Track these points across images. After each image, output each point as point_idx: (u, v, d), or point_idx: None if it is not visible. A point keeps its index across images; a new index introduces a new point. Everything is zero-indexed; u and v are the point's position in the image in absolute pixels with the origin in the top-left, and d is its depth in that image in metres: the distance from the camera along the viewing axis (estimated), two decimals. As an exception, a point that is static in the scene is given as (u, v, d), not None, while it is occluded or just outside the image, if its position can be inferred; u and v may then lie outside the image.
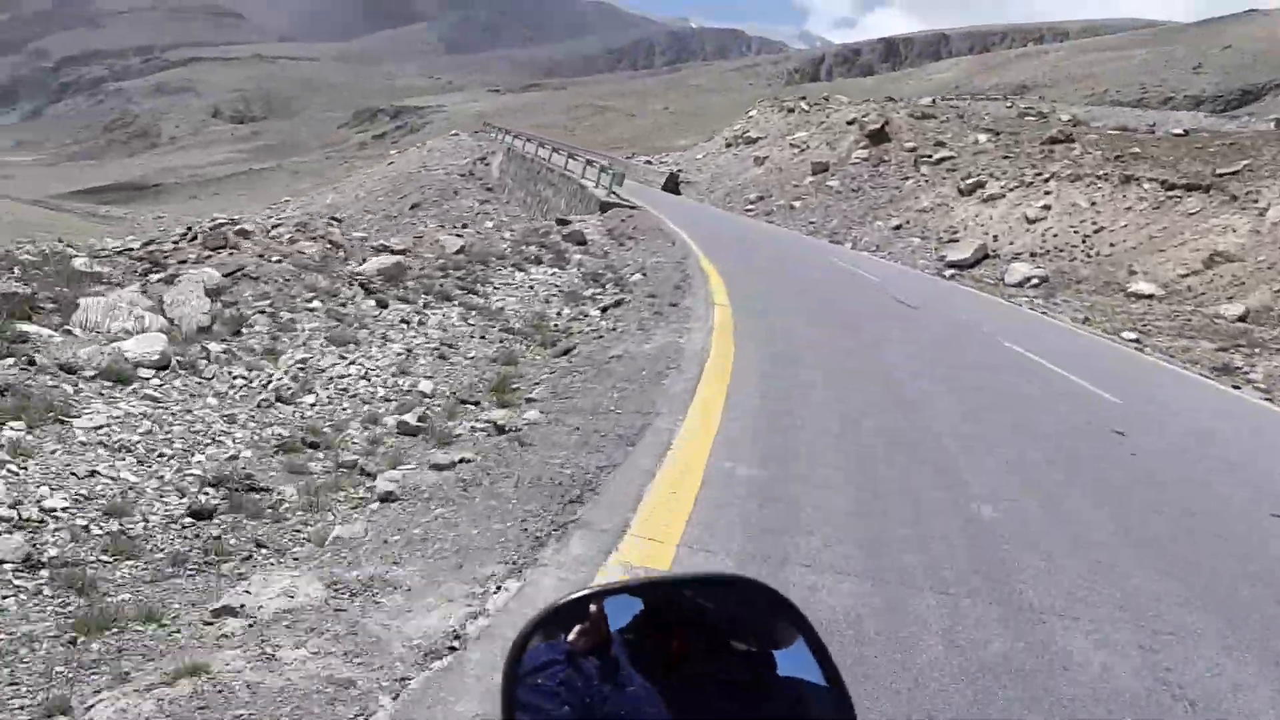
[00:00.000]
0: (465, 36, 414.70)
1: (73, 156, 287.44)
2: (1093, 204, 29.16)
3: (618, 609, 1.17)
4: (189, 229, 24.43)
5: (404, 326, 11.47)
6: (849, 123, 44.86)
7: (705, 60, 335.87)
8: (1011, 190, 31.69)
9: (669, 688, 1.14)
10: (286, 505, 6.55)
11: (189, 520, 6.21)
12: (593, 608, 1.17)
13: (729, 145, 50.84)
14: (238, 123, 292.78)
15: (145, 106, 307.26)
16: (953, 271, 27.41)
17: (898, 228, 31.94)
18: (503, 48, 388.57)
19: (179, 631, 4.41)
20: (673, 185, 43.69)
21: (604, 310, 13.19)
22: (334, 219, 35.35)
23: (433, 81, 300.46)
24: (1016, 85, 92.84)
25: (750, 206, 38.86)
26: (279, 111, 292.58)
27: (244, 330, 10.21)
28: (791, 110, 51.41)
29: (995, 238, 29.50)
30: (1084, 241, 27.61)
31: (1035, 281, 25.20)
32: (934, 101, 49.14)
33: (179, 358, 8.81)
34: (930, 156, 37.13)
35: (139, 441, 7.03)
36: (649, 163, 51.81)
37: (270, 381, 9.00)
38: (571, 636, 1.17)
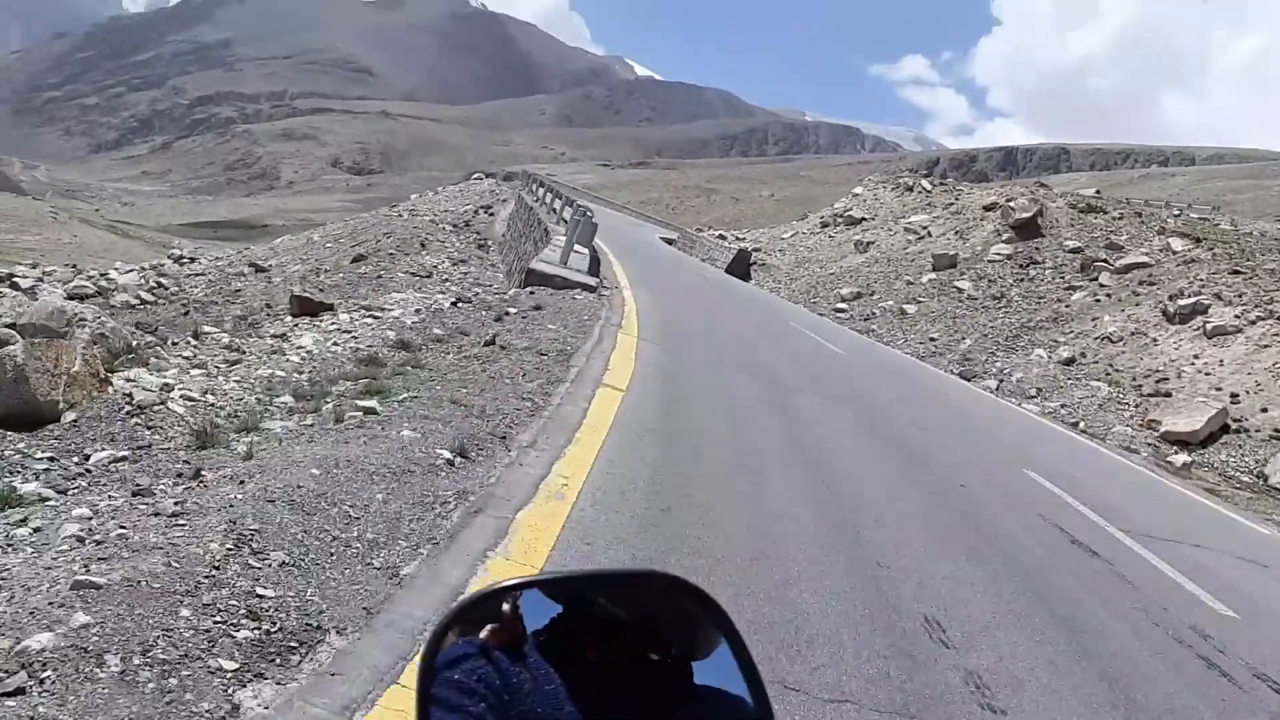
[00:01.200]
0: (584, 112, 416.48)
1: (193, 190, 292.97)
2: None
3: (533, 605, 1.15)
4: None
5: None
6: (986, 208, 33.53)
7: (817, 153, 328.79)
8: (1255, 323, 19.88)
9: (584, 685, 1.11)
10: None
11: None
12: (506, 605, 1.15)
13: (824, 225, 39.76)
14: (354, 173, 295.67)
15: (268, 149, 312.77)
16: (1175, 451, 15.71)
17: (1069, 361, 20.33)
18: (620, 125, 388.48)
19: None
20: (741, 267, 32.88)
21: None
22: (257, 266, 25.51)
23: (546, 151, 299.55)
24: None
25: (842, 306, 27.75)
26: (395, 166, 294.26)
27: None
28: (910, 189, 40.21)
29: (1235, 397, 17.70)
30: None
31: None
32: (1098, 192, 37.47)
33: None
34: (1109, 262, 25.58)
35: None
36: (721, 238, 41.05)
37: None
38: (485, 634, 1.14)
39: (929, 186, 40.47)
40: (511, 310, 11.35)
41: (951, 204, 36.25)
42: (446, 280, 19.69)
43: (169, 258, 32.64)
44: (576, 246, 16.81)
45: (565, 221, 24.47)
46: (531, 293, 13.13)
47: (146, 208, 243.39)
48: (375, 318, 10.99)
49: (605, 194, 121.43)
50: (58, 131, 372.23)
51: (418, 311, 12.44)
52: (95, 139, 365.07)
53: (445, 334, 8.65)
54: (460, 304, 12.16)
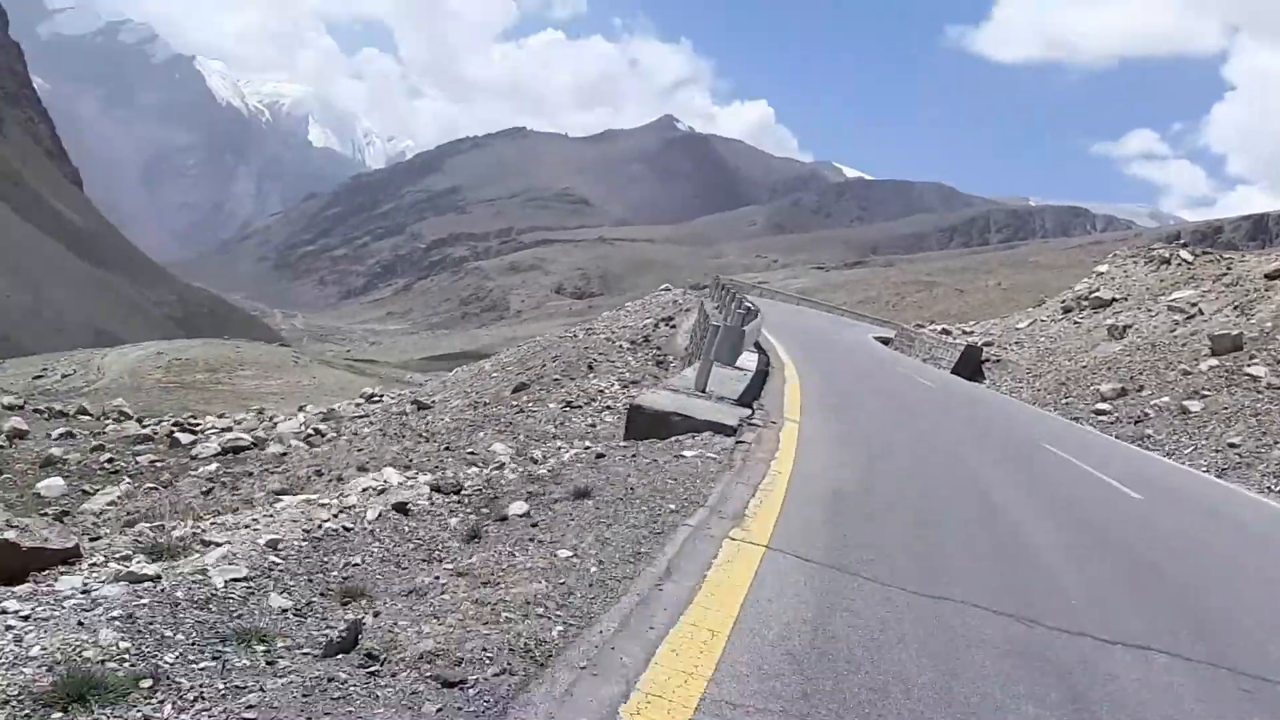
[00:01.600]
0: (795, 219, 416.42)
1: (432, 326, 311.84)
2: None
3: None
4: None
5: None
6: (1270, 276, 27.48)
7: (1044, 238, 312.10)
8: None
9: None
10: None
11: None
12: None
13: (1067, 310, 34.28)
14: (576, 298, 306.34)
15: (498, 282, 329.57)
16: None
17: None
18: (832, 228, 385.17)
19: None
20: (970, 366, 28.20)
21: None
22: (420, 403, 23.40)
23: (759, 260, 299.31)
24: None
25: (1103, 407, 22.54)
26: (613, 287, 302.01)
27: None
28: (1166, 261, 34.24)
29: None
30: None
31: None
32: None
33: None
34: None
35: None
36: (945, 332, 36.27)
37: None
38: None
39: (1189, 257, 34.37)
40: (524, 504, 6.24)
41: (1223, 275, 30.22)
42: (608, 408, 16.56)
43: (360, 396, 31.57)
44: (739, 361, 13.07)
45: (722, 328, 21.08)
46: (625, 446, 8.74)
47: (390, 345, 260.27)
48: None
49: (820, 296, 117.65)
50: (313, 282, 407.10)
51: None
52: (345, 286, 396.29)
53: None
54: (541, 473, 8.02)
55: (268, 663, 3.38)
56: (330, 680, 3.31)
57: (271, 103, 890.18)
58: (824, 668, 4.06)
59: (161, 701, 2.98)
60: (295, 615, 3.88)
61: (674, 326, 25.99)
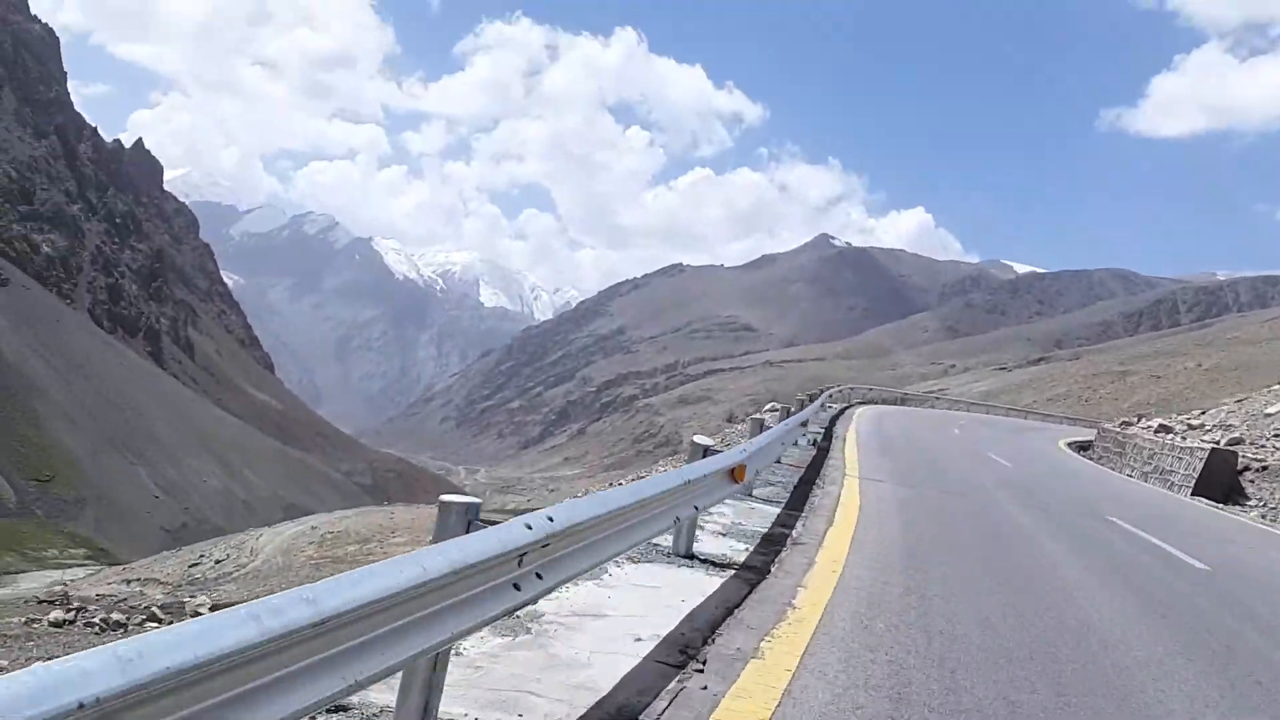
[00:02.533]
0: (968, 321, 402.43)
1: (606, 467, 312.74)
2: None
3: None
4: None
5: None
6: None
7: (1240, 312, 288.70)
8: None
9: None
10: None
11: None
12: None
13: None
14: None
15: (668, 417, 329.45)
16: None
17: None
18: (1008, 325, 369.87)
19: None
20: (1223, 481, 21.80)
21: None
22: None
23: (935, 367, 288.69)
24: None
25: None
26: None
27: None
28: None
29: None
30: None
31: None
32: None
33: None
34: None
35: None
36: (1164, 430, 30.04)
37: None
38: None
39: None
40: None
41: None
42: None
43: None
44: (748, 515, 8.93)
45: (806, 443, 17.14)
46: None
47: (567, 490, 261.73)
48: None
49: (1005, 399, 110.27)
50: (493, 436, 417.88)
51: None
52: (523, 436, 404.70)
53: None
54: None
55: None
56: None
57: (444, 271, 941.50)
58: None
59: None
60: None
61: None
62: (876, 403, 58.18)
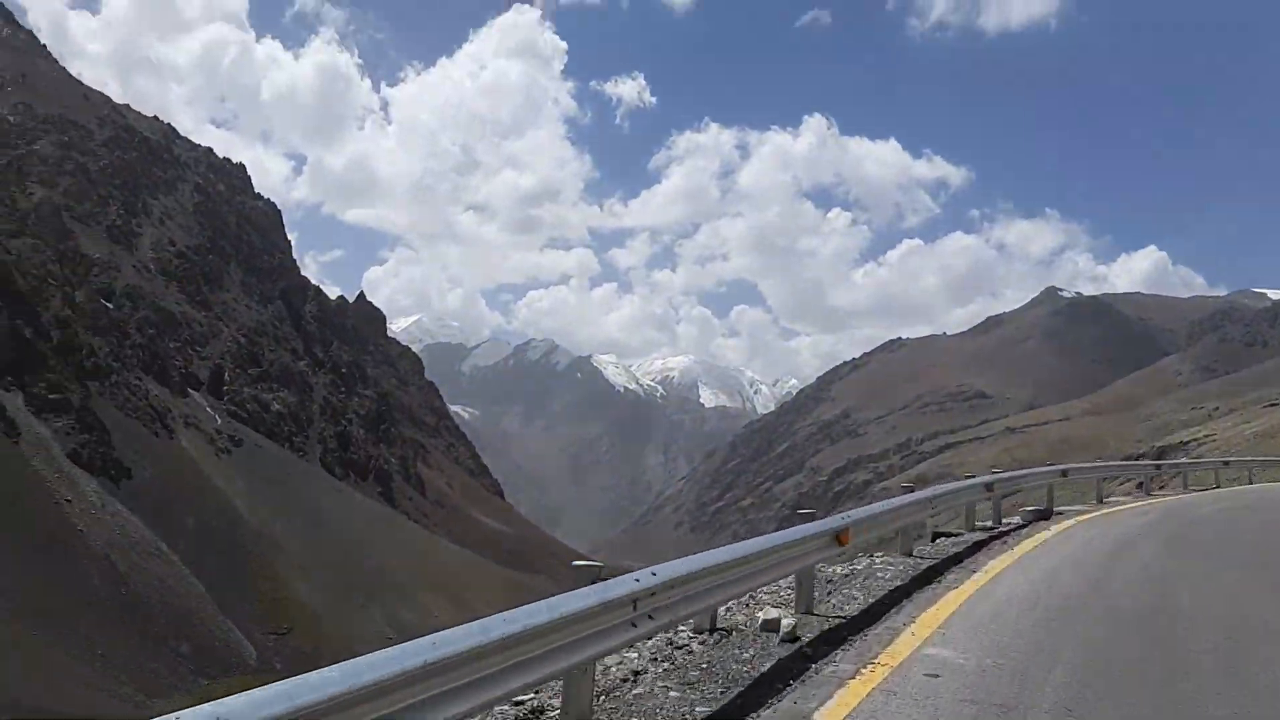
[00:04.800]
0: (1225, 358, 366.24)
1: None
2: None
3: None
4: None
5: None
6: None
7: None
8: None
9: None
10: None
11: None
12: None
13: None
14: (1004, 496, 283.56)
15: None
16: None
17: None
18: (1272, 357, 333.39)
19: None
20: None
21: None
22: None
23: (1196, 412, 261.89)
24: None
25: None
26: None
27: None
28: None
29: None
30: None
31: None
32: None
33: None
34: None
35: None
36: None
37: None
38: None
39: None
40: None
41: None
42: None
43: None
44: None
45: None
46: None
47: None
48: None
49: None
50: (727, 537, 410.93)
51: None
52: (757, 534, 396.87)
53: None
54: None
55: None
56: None
57: (663, 378, 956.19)
58: None
59: None
60: None
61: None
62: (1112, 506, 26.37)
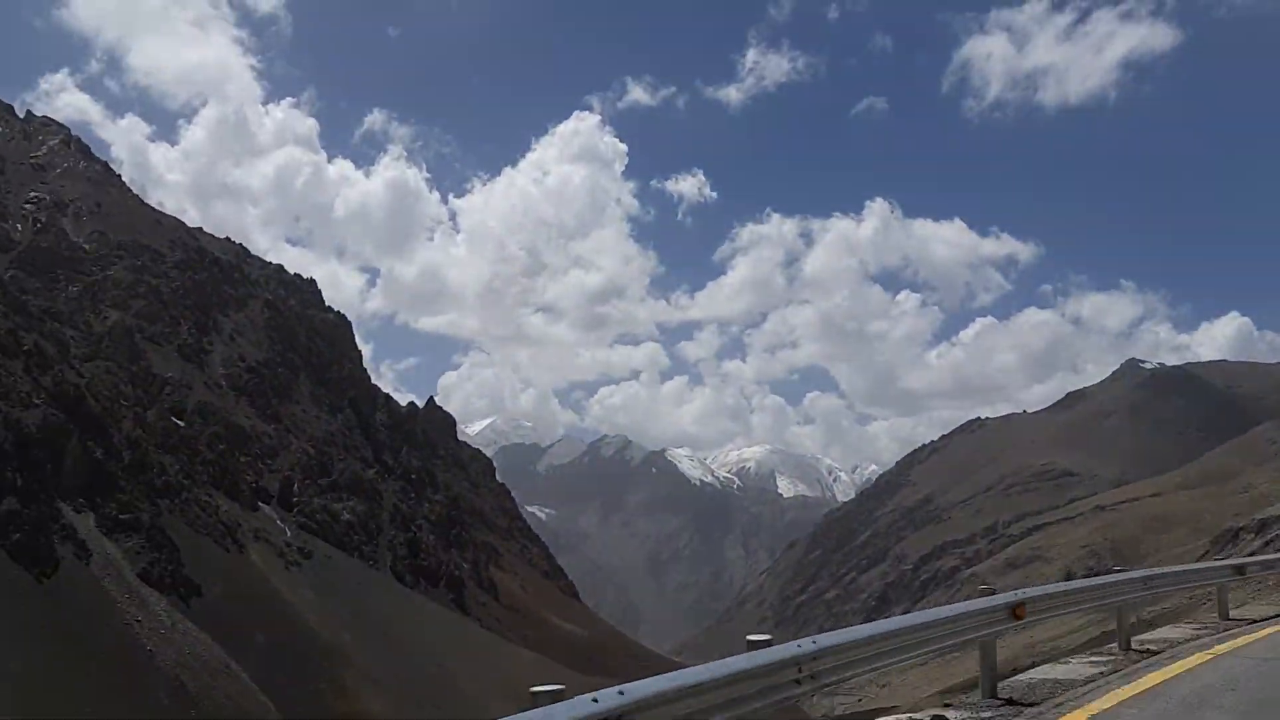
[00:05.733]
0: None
1: (941, 654, 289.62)
2: None
3: None
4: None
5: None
6: None
7: None
8: None
9: None
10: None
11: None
12: None
13: None
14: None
15: (997, 584, 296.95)
16: None
17: None
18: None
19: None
20: None
21: None
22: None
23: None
24: None
25: None
26: (1129, 556, 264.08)
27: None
28: None
29: None
30: None
31: None
32: None
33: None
34: None
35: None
36: None
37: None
38: None
39: None
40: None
41: None
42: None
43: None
44: None
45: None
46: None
47: (900, 683, 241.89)
48: None
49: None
50: (813, 631, 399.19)
51: None
52: (844, 626, 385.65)
53: None
54: None
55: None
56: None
57: (739, 469, 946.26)
58: None
59: None
60: None
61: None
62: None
